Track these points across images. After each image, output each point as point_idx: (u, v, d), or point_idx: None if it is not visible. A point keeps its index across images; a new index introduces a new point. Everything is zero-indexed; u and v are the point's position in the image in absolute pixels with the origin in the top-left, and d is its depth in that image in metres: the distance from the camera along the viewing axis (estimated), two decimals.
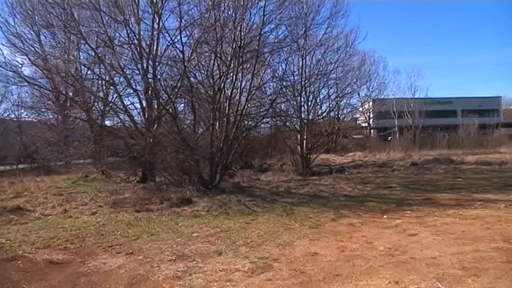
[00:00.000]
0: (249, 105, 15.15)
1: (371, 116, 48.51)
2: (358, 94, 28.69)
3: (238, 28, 13.19)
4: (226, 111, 13.92)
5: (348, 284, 4.96)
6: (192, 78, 13.84)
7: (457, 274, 5.14)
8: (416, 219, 8.77)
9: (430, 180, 16.55)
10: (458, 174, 18.72)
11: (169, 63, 14.28)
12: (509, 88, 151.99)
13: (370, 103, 44.39)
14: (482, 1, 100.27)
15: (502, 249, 6.27)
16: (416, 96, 50.85)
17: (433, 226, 8.04)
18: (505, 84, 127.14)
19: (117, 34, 14.23)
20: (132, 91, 14.94)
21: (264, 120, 17.04)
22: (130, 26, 13.45)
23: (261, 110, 16.44)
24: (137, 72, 14.16)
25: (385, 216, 9.17)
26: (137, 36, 13.75)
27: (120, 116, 15.13)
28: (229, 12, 13.44)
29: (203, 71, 14.43)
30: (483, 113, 57.44)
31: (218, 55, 13.61)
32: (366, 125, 48.90)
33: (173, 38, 13.23)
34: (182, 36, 12.96)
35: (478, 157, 26.69)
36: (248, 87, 14.55)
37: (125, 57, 14.10)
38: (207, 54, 14.15)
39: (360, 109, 38.28)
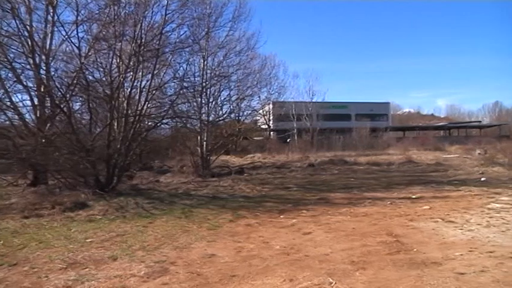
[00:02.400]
0: (148, 105, 14.81)
1: (271, 118, 49.64)
2: (259, 97, 29.26)
3: (139, 26, 12.85)
4: (125, 111, 13.48)
5: (244, 284, 5.03)
6: (89, 76, 13.23)
7: (347, 268, 5.46)
8: (311, 218, 9.14)
9: (325, 181, 17.36)
10: (351, 174, 19.86)
11: (65, 58, 13.53)
12: (397, 95, 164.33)
13: (270, 105, 45.43)
14: (380, 13, 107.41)
15: (386, 242, 6.80)
16: (314, 100, 52.90)
17: (327, 224, 8.43)
18: (393, 91, 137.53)
19: (4, 23, 13.13)
20: (22, 87, 13.85)
21: (164, 121, 16.74)
22: (20, 16, 12.50)
23: (161, 110, 16.16)
24: (28, 67, 13.18)
25: (281, 216, 9.44)
26: (28, 28, 12.83)
27: (8, 114, 13.98)
28: (130, 9, 13.05)
29: (101, 69, 13.82)
30: (374, 117, 61.34)
31: (117, 53, 13.15)
32: (266, 127, 50.00)
33: (69, 33, 12.56)
34: (79, 31, 12.35)
35: (369, 158, 28.45)
36: (148, 87, 14.21)
37: (14, 50, 13.06)
38: (105, 51, 13.58)
39: (260, 111, 38.99)
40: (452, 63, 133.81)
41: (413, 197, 11.87)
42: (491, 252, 6.11)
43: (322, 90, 72.22)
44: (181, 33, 15.49)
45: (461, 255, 5.98)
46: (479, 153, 25.13)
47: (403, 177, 18.12)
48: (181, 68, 17.30)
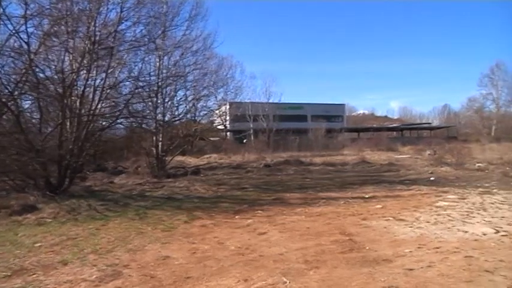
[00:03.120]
0: (103, 104, 14.47)
1: (227, 118, 49.59)
2: (215, 97, 29.04)
3: (93, 23, 12.52)
4: (78, 110, 13.11)
5: (198, 285, 5.01)
6: (40, 74, 12.77)
7: (301, 268, 5.53)
8: (267, 218, 9.20)
9: (281, 181, 17.51)
10: (306, 174, 20.10)
11: (12, 54, 12.99)
12: (352, 96, 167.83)
13: (227, 106, 45.38)
14: (335, 15, 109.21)
15: (339, 241, 6.94)
16: (270, 101, 53.24)
17: (282, 224, 8.51)
18: (348, 93, 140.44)
19: None
20: None
21: (119, 120, 16.37)
22: None
23: (116, 110, 15.81)
24: None
25: (237, 217, 9.47)
26: None
27: None
28: (83, 5, 12.69)
29: (53, 66, 13.36)
30: (330, 119, 62.22)
31: (70, 50, 12.76)
32: (223, 127, 49.89)
33: (17, 27, 12.06)
34: (28, 26, 11.87)
35: (325, 159, 28.90)
36: (102, 86, 13.87)
37: None
38: (57, 48, 13.14)
39: (217, 112, 38.87)
40: (405, 66, 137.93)
41: (366, 196, 12.16)
42: (437, 248, 6.37)
43: (278, 91, 73.05)
44: (137, 31, 15.20)
45: (411, 251, 6.20)
46: (429, 154, 25.96)
47: (357, 177, 18.52)
48: (136, 67, 16.98)
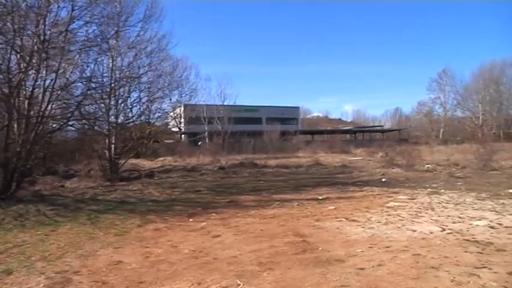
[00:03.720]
0: (53, 106, 14.07)
1: (182, 121, 49.21)
2: (170, 99, 28.77)
3: (42, 21, 12.12)
4: (26, 111, 12.65)
5: None
6: None
7: (255, 270, 5.56)
8: (221, 220, 9.19)
9: (235, 184, 17.50)
10: (261, 177, 20.17)
11: None
12: (306, 99, 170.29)
13: (182, 108, 45.05)
14: (290, 18, 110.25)
15: (293, 243, 7.01)
16: (225, 103, 53.24)
17: (236, 227, 8.52)
18: (303, 96, 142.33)
19: None
20: None
21: (70, 122, 15.91)
22: None
23: (67, 111, 15.36)
24: None
25: (191, 220, 9.40)
26: None
27: None
28: (32, 2, 12.26)
29: None
30: (285, 121, 62.82)
31: (17, 49, 12.28)
32: (177, 129, 49.49)
33: None
34: None
35: (279, 161, 29.14)
36: (52, 87, 13.43)
37: None
38: (2, 46, 12.62)
39: (171, 114, 38.53)
40: (359, 70, 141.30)
41: (320, 198, 12.34)
42: (388, 247, 6.56)
43: (234, 93, 73.00)
44: (90, 31, 14.80)
45: (362, 251, 6.35)
46: (381, 156, 26.56)
47: (311, 179, 18.76)
48: (88, 68, 16.57)
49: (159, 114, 27.34)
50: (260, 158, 31.39)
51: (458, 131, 65.49)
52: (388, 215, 9.24)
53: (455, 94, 73.55)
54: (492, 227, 7.80)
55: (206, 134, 49.13)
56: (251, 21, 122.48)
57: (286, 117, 67.13)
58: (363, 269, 5.47)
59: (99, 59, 17.40)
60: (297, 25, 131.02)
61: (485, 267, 5.42)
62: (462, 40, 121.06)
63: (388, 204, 10.73)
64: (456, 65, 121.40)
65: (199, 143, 46.84)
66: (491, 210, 9.53)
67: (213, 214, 10.03)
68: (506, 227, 7.82)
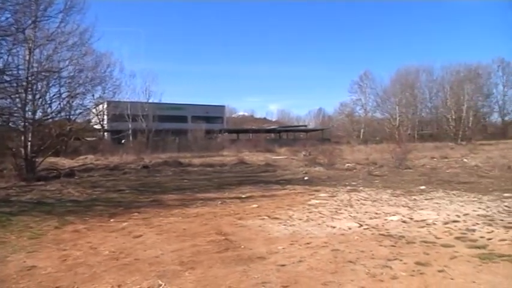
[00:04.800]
0: None
1: (105, 118, 47.59)
2: (93, 95, 27.60)
3: None
4: None
5: None
6: None
7: (176, 269, 5.51)
8: (143, 220, 9.01)
9: (159, 182, 17.25)
10: (185, 176, 20.03)
11: None
12: (232, 98, 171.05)
13: (105, 105, 43.55)
14: (216, 17, 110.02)
15: (215, 241, 7.03)
16: (150, 101, 52.25)
17: (158, 226, 8.39)
18: (229, 95, 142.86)
19: None
20: None
21: None
22: None
23: None
24: None
25: (112, 220, 9.12)
26: None
27: None
28: None
29: None
30: (210, 120, 62.79)
31: None
32: (100, 127, 47.77)
33: None
34: None
35: (204, 160, 29.05)
36: None
37: None
38: None
39: (94, 110, 37.10)
40: (284, 71, 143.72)
41: (243, 196, 12.45)
42: (308, 243, 6.75)
43: (159, 91, 71.63)
44: (3, 19, 13.81)
45: (284, 248, 6.49)
46: (304, 155, 27.20)
47: (234, 177, 18.87)
48: (1, 59, 15.50)
49: (81, 110, 26.06)
50: (185, 156, 31.15)
51: (377, 132, 68.57)
52: (309, 213, 9.50)
53: (375, 96, 77.27)
54: (404, 222, 8.31)
55: (130, 131, 47.81)
56: (177, 19, 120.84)
57: (211, 115, 67.12)
58: (283, 265, 5.60)
59: (14, 50, 16.32)
60: (222, 24, 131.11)
61: (397, 259, 5.77)
62: (382, 45, 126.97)
63: (309, 202, 11.03)
64: (376, 69, 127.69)
65: (123, 141, 45.55)
66: (404, 206, 10.13)
67: (136, 214, 9.81)
68: (416, 221, 8.38)
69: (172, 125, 52.49)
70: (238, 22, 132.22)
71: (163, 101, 55.92)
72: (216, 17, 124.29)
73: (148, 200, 12.21)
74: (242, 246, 6.65)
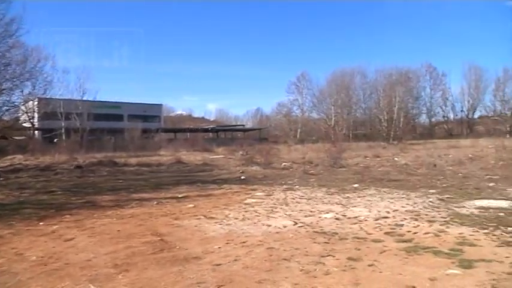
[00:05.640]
0: None
1: (35, 116, 45.43)
2: (22, 91, 26.25)
3: None
4: None
5: None
6: None
7: (110, 272, 5.38)
8: (75, 223, 8.70)
9: (93, 183, 16.72)
10: (120, 176, 19.55)
11: None
12: (170, 97, 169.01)
13: (35, 102, 41.60)
14: (152, 15, 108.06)
15: (150, 242, 6.93)
16: (85, 99, 50.47)
17: (91, 228, 8.15)
18: (167, 94, 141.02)
19: None
20: None
21: None
22: None
23: None
24: None
25: (41, 223, 8.71)
26: None
27: None
28: None
29: None
30: (147, 119, 61.57)
31: None
32: (30, 125, 45.56)
33: None
34: None
35: (140, 159, 28.44)
36: None
37: None
38: None
39: (23, 108, 35.33)
40: (222, 70, 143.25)
41: (180, 196, 12.34)
42: (244, 242, 6.82)
43: (94, 88, 69.00)
44: None
45: (219, 248, 6.51)
46: (241, 154, 27.27)
47: (171, 177, 18.64)
48: None
49: (8, 107, 24.73)
50: (121, 156, 30.39)
51: (314, 131, 69.99)
52: (246, 212, 9.58)
53: (312, 97, 79.22)
54: (338, 219, 8.58)
55: (63, 130, 45.94)
56: (114, 16, 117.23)
57: (148, 114, 65.78)
58: (219, 264, 5.62)
59: None
60: (159, 22, 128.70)
61: (330, 255, 5.96)
62: (319, 46, 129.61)
63: (245, 201, 11.11)
64: (313, 70, 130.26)
65: (55, 140, 43.65)
66: (338, 204, 10.44)
67: (67, 216, 9.44)
68: (349, 217, 8.68)
69: (108, 123, 51.07)
70: (176, 20, 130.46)
71: (99, 99, 54.13)
72: (153, 15, 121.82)
73: (81, 201, 11.80)
74: (178, 247, 6.60)
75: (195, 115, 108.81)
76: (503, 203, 9.83)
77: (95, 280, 5.08)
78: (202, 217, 9.05)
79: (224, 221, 8.62)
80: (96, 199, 12.13)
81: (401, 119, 67.45)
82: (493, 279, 4.85)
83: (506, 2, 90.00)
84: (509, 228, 7.32)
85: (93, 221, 8.82)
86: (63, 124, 46.47)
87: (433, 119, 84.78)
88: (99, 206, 10.86)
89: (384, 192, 12.34)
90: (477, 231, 7.23)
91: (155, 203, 11.19)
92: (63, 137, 44.06)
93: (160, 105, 74.41)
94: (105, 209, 10.39)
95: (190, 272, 5.31)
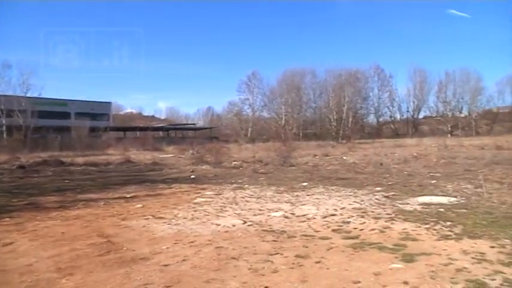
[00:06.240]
0: None
1: None
2: None
3: None
4: None
5: None
6: None
7: (52, 277, 5.18)
8: (15, 226, 8.31)
9: (36, 184, 16.07)
10: (66, 176, 18.93)
11: None
12: (119, 95, 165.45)
13: None
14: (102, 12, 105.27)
15: (96, 244, 6.74)
16: (28, 95, 48.66)
17: (33, 231, 7.82)
18: (116, 91, 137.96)
19: None
20: None
21: None
22: None
23: None
24: None
25: None
26: None
27: None
28: None
29: None
30: (95, 117, 60.16)
31: None
32: None
33: None
34: None
35: (88, 159, 27.78)
36: None
37: None
38: None
39: None
40: (173, 68, 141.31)
41: (128, 196, 12.10)
42: (192, 242, 6.77)
43: (39, 84, 66.44)
44: None
45: (168, 248, 6.43)
46: (192, 153, 27.11)
47: (120, 177, 18.25)
48: None
49: None
50: (67, 155, 29.57)
51: (264, 130, 70.69)
52: (195, 211, 9.52)
53: (263, 96, 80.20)
54: (287, 217, 8.68)
55: (4, 128, 44.08)
56: (62, 12, 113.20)
57: (97, 112, 64.26)
58: (167, 265, 5.56)
59: None
60: (109, 20, 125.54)
61: (278, 253, 6.02)
62: (270, 46, 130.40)
63: (195, 201, 11.05)
64: (264, 70, 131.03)
65: None
66: (287, 202, 10.55)
67: (7, 219, 8.98)
68: (298, 216, 8.80)
69: (54, 121, 49.52)
70: (126, 18, 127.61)
71: (45, 95, 52.30)
72: (102, 12, 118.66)
73: (23, 203, 11.27)
74: (125, 248, 6.46)
75: (146, 113, 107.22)
76: (444, 199, 10.29)
77: (36, 286, 4.89)
78: (150, 217, 8.92)
79: (173, 220, 8.53)
80: (39, 200, 11.65)
81: (350, 119, 69.27)
82: (432, 271, 5.08)
83: (450, 8, 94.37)
84: (448, 223, 7.68)
85: (36, 224, 8.46)
86: (4, 122, 44.66)
87: (380, 119, 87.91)
88: (43, 208, 10.42)
89: (332, 190, 12.58)
90: (419, 226, 7.54)
91: (102, 203, 10.91)
92: (5, 136, 42.35)
93: (109, 103, 72.83)
94: (49, 210, 9.99)
95: (137, 274, 5.22)
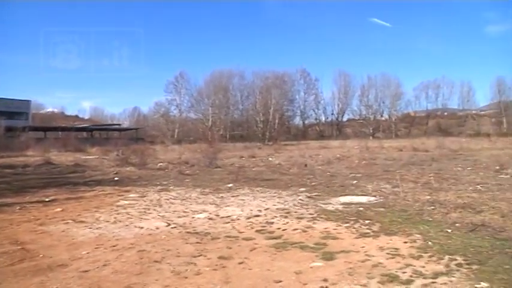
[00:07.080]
0: None
1: None
2: None
3: None
4: None
5: None
6: None
7: None
8: None
9: None
10: None
11: None
12: (40, 93, 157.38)
13: None
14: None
15: (8, 253, 6.37)
16: None
17: None
18: (36, 89, 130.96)
19: None
20: None
21: None
22: None
23: None
24: None
25: None
26: None
27: None
28: None
29: None
30: (12, 116, 56.97)
31: None
32: None
33: None
34: None
35: (3, 160, 26.31)
36: None
37: None
38: None
39: None
40: (98, 67, 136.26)
41: (47, 199, 11.53)
42: (114, 246, 6.64)
43: None
44: None
45: (88, 253, 6.25)
46: (116, 155, 26.33)
47: (39, 179, 17.34)
48: None
49: None
50: None
51: (191, 132, 70.33)
52: (118, 214, 9.31)
53: (190, 97, 79.84)
54: (211, 219, 8.73)
55: None
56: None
57: (14, 111, 60.73)
58: (87, 271, 5.41)
59: None
60: (30, 15, 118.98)
61: (202, 255, 6.06)
62: (197, 47, 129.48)
63: (118, 203, 10.79)
64: (192, 70, 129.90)
65: None
66: (212, 204, 10.60)
67: None
68: (222, 217, 8.87)
69: None
70: (47, 14, 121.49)
71: None
72: (23, 6, 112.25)
73: None
74: (41, 255, 6.18)
75: (68, 113, 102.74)
76: (363, 199, 10.82)
77: None
78: (70, 221, 8.58)
79: (94, 224, 8.28)
80: None
81: (277, 121, 70.66)
82: (350, 268, 5.34)
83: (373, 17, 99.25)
84: (367, 221, 8.09)
85: None
86: None
87: (306, 121, 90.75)
88: None
89: (257, 191, 12.77)
90: (340, 225, 7.87)
91: (18, 208, 10.28)
92: None
93: (29, 101, 69.16)
94: None
95: (54, 282, 5.02)
